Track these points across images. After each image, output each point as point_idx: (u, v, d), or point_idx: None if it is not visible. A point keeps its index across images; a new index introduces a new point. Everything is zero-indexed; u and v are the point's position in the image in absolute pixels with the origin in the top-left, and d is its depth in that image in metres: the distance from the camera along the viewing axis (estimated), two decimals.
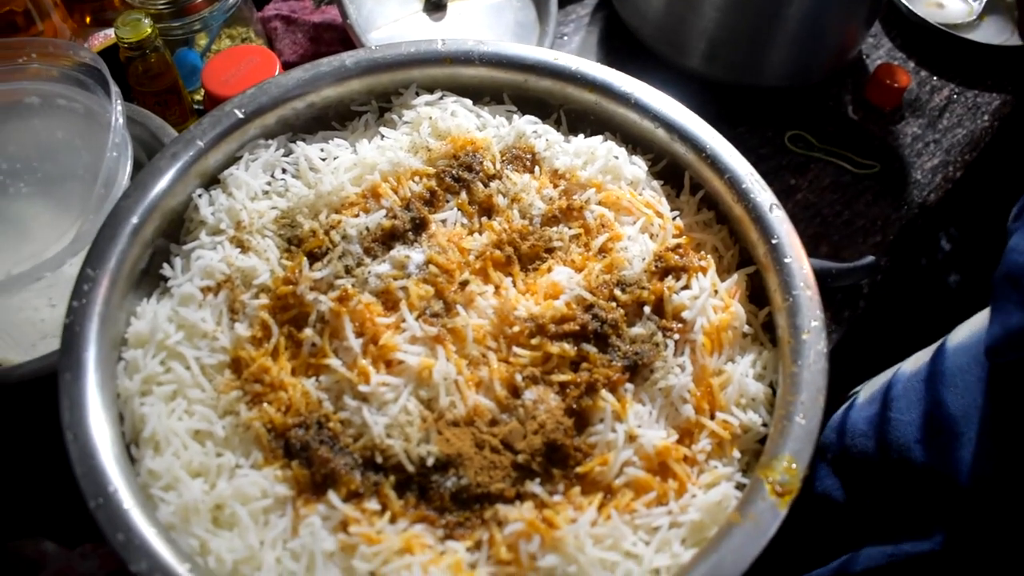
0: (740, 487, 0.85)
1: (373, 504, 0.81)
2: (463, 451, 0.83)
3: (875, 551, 1.05)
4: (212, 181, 1.01)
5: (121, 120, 1.05)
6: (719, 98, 1.29)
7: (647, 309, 0.93)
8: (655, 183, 1.04)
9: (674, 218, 1.01)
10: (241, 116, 1.01)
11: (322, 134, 1.07)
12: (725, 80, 1.50)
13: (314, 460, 0.83)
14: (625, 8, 1.56)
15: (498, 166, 1.02)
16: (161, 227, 0.96)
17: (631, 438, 0.85)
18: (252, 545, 0.79)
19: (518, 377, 0.87)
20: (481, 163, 1.01)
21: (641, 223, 0.99)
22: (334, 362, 0.87)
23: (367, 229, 0.96)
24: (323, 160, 1.03)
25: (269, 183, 1.02)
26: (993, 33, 1.69)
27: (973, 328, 1.03)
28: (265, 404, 0.86)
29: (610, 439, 0.85)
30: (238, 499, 0.82)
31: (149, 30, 1.25)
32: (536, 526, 0.79)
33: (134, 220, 0.93)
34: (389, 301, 0.91)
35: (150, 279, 0.95)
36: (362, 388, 0.85)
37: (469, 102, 1.09)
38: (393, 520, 0.81)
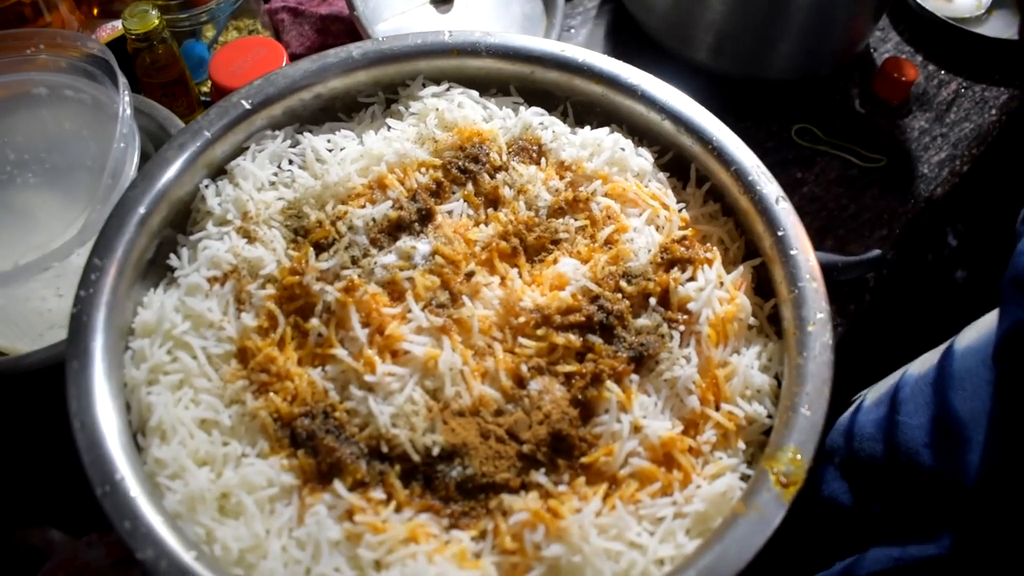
0: (745, 478, 0.85)
1: (379, 493, 0.82)
2: (468, 441, 0.83)
3: (881, 553, 1.04)
4: (219, 172, 1.01)
5: (129, 111, 1.06)
6: (726, 91, 1.28)
7: (653, 300, 0.93)
8: (661, 175, 1.04)
9: (680, 210, 1.01)
10: (248, 107, 1.02)
11: (329, 125, 1.07)
12: (732, 73, 1.50)
13: (320, 449, 0.83)
14: (632, 1, 1.56)
15: (504, 158, 1.03)
16: (168, 217, 0.96)
17: (636, 429, 0.85)
18: (258, 534, 0.80)
19: (524, 368, 0.88)
20: (487, 154, 1.01)
21: (647, 215, 1.00)
22: (340, 352, 0.87)
23: (373, 220, 0.96)
24: (330, 151, 1.03)
25: (276, 174, 1.02)
26: (1001, 27, 1.69)
27: (981, 330, 1.02)
28: (271, 393, 0.86)
29: (615, 430, 0.85)
30: (244, 488, 0.82)
31: (156, 21, 1.26)
32: (541, 516, 0.79)
33: (141, 210, 0.93)
34: (395, 292, 0.91)
35: (157, 269, 0.96)
36: (368, 378, 0.85)
37: (476, 94, 1.09)
38: (398, 509, 0.81)
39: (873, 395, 1.16)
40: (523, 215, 0.98)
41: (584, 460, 0.84)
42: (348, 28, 1.51)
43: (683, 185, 1.05)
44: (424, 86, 1.09)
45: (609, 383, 0.87)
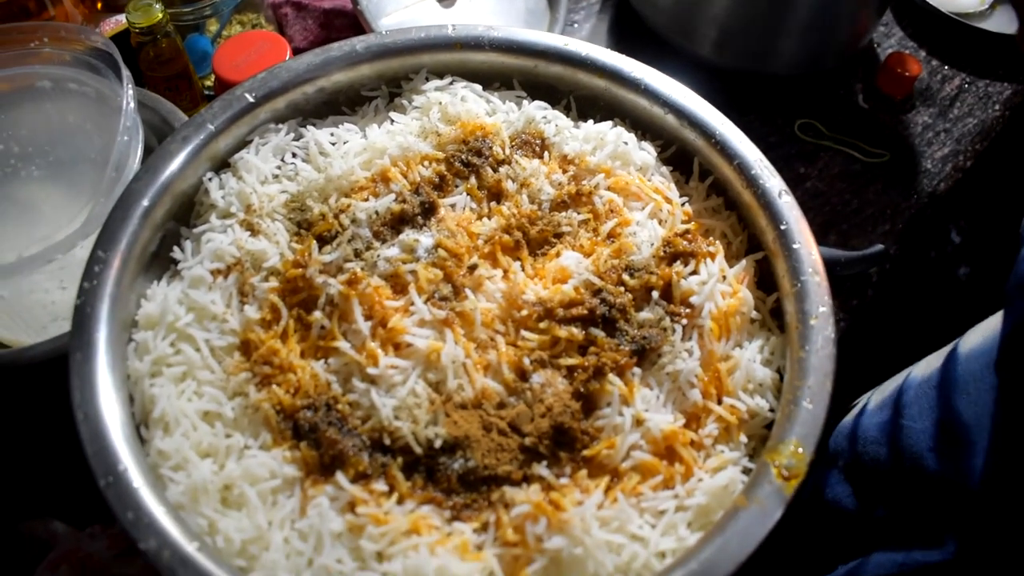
0: (746, 472, 0.85)
1: (381, 485, 0.82)
2: (471, 433, 0.83)
3: (885, 558, 1.04)
4: (223, 165, 1.02)
5: (133, 104, 1.06)
6: (729, 86, 1.28)
7: (655, 294, 0.93)
8: (664, 169, 1.04)
9: (683, 204, 1.01)
10: (251, 100, 1.02)
11: (332, 119, 1.07)
12: (735, 68, 1.50)
13: (322, 441, 0.83)
14: None
15: (507, 151, 1.03)
16: (172, 210, 0.97)
17: (638, 422, 0.86)
18: (260, 525, 0.80)
19: (526, 360, 0.88)
20: (490, 148, 1.02)
21: (650, 209, 1.00)
22: (343, 345, 0.87)
23: (376, 213, 0.96)
24: (333, 144, 1.03)
25: (279, 167, 1.02)
26: (1005, 22, 1.68)
27: (985, 333, 1.02)
28: (274, 386, 0.86)
29: (617, 423, 0.85)
30: (247, 480, 0.82)
31: (160, 15, 1.26)
32: (543, 508, 0.79)
33: (145, 203, 0.93)
34: (398, 284, 0.92)
35: (160, 262, 0.96)
36: (371, 370, 0.86)
37: (479, 87, 1.09)
38: (400, 501, 0.81)
39: (877, 398, 1.15)
40: (526, 208, 0.98)
41: (586, 453, 0.84)
42: (351, 22, 1.51)
43: (686, 179, 1.05)
44: (427, 80, 1.09)
45: (611, 376, 0.87)
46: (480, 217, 0.99)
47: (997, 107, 1.59)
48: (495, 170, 1.01)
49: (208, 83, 1.45)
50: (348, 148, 1.02)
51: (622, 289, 0.92)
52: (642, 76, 1.06)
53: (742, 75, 1.51)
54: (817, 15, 1.42)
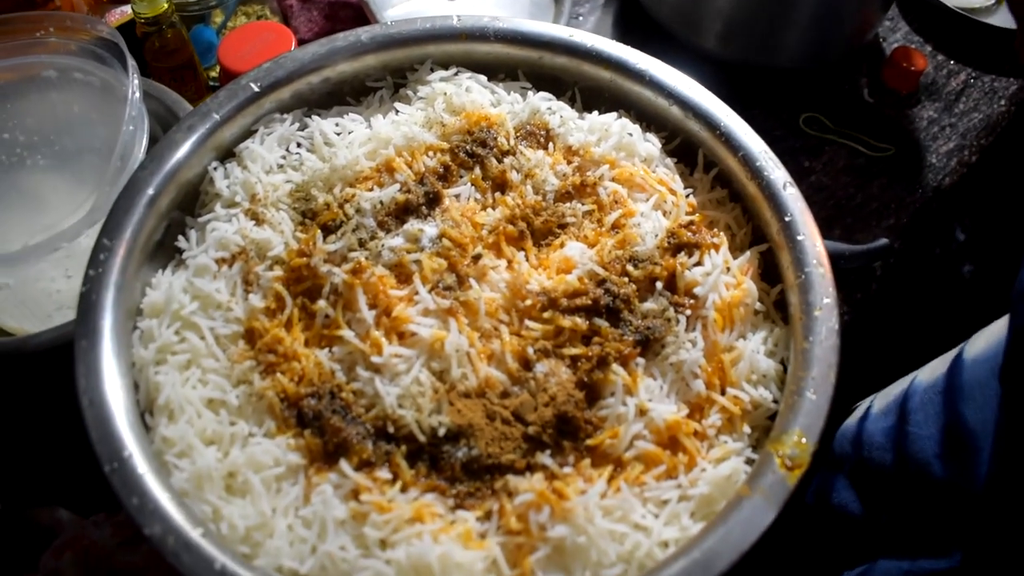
0: (750, 463, 0.85)
1: (384, 473, 0.82)
2: (474, 422, 0.84)
3: (891, 565, 1.04)
4: (227, 154, 1.02)
5: (138, 94, 1.06)
6: (734, 79, 1.28)
7: (659, 285, 0.93)
8: (668, 160, 1.04)
9: (687, 195, 1.01)
10: (257, 90, 1.02)
11: (337, 109, 1.08)
12: (740, 61, 1.49)
13: (326, 429, 0.84)
14: None
15: (512, 142, 1.03)
16: (176, 199, 0.97)
17: (641, 412, 0.86)
18: (264, 512, 0.80)
19: (530, 350, 0.88)
20: (495, 139, 1.02)
21: (654, 200, 1.00)
22: (347, 333, 0.88)
23: (381, 203, 0.96)
24: (338, 135, 1.03)
25: (284, 157, 1.02)
26: (1011, 18, 1.68)
27: (990, 339, 1.01)
28: (278, 374, 0.87)
29: (621, 412, 0.85)
30: (251, 467, 0.82)
31: (165, 5, 1.26)
32: (546, 497, 0.79)
33: (150, 191, 0.93)
34: (402, 274, 0.92)
35: (165, 251, 0.96)
36: (375, 359, 0.86)
37: (484, 78, 1.09)
38: (404, 489, 0.81)
39: (880, 402, 1.15)
40: (530, 199, 0.98)
41: (589, 442, 0.85)
42: (357, 14, 1.51)
43: (690, 171, 1.05)
44: (432, 71, 1.09)
45: (615, 366, 0.87)
46: (484, 207, 0.99)
47: (1003, 102, 1.59)
48: (500, 161, 1.01)
49: (213, 74, 1.45)
50: (353, 138, 1.02)
51: (626, 279, 0.92)
52: (647, 68, 1.06)
53: (747, 68, 1.51)
54: (822, 8, 1.42)
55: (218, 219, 0.97)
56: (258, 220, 0.96)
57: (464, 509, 0.81)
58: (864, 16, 1.50)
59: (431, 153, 1.01)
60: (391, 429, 0.84)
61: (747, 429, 0.88)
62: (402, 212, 0.96)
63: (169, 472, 0.82)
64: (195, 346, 0.89)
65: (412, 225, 0.95)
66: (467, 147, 1.01)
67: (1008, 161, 1.63)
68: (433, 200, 0.98)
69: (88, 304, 0.86)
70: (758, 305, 0.95)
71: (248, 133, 1.03)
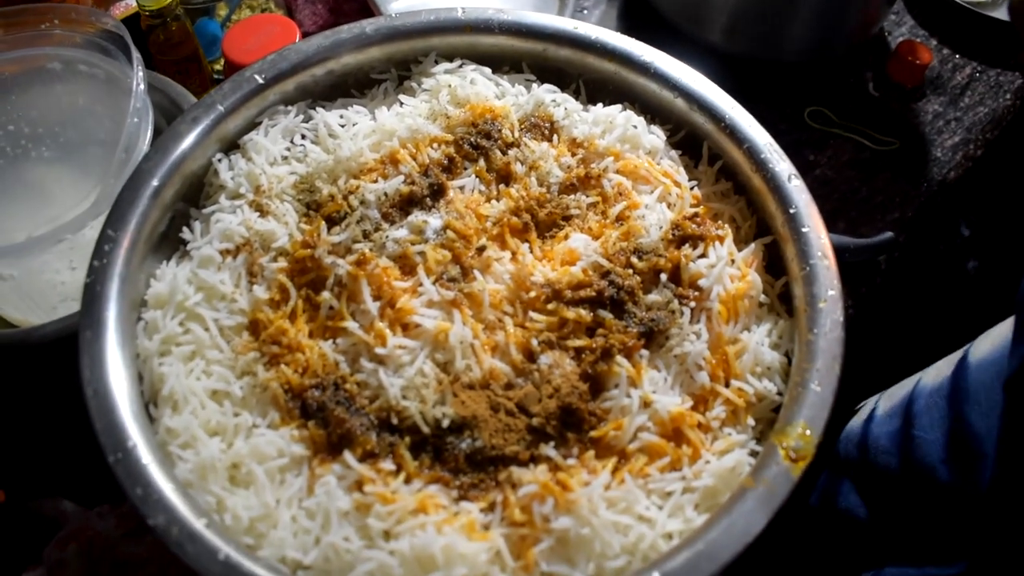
0: (754, 455, 0.85)
1: (388, 464, 0.82)
2: (478, 414, 0.83)
3: (897, 572, 1.04)
4: (232, 146, 1.02)
5: (143, 86, 1.06)
6: (739, 73, 1.28)
7: (663, 277, 0.93)
8: (673, 153, 1.04)
9: (692, 188, 1.01)
10: (261, 82, 1.02)
11: (341, 101, 1.07)
12: (745, 54, 1.49)
13: (330, 420, 0.84)
14: None
15: (516, 134, 1.03)
16: (181, 191, 0.97)
17: (646, 404, 0.86)
18: (268, 503, 0.80)
19: (534, 342, 0.88)
20: (499, 131, 1.02)
21: (659, 192, 0.99)
22: (351, 325, 0.88)
23: (385, 195, 0.96)
24: (342, 126, 1.03)
25: (288, 148, 1.02)
26: None
27: (995, 342, 1.01)
28: (282, 365, 0.87)
29: (625, 404, 0.85)
30: (255, 458, 0.82)
31: None
32: (550, 488, 0.79)
33: (154, 183, 0.93)
34: (406, 265, 0.92)
35: (170, 243, 0.96)
36: (379, 350, 0.86)
37: (488, 71, 1.09)
38: (408, 480, 0.82)
39: (885, 404, 1.15)
40: (535, 191, 0.98)
41: (593, 434, 0.85)
42: (361, 7, 1.51)
43: (695, 163, 1.05)
44: (437, 63, 1.09)
45: (619, 358, 0.87)
46: (489, 199, 0.99)
47: (1008, 96, 1.59)
48: (504, 153, 1.01)
49: (217, 67, 1.45)
50: (357, 130, 1.02)
51: (630, 271, 0.92)
52: (652, 60, 1.06)
53: (752, 62, 1.50)
54: (827, 2, 1.42)
55: (222, 210, 0.97)
56: (262, 212, 0.96)
57: (468, 500, 0.81)
58: (869, 10, 1.50)
59: (435, 145, 1.01)
60: (395, 420, 0.84)
61: (751, 421, 0.88)
62: (406, 204, 0.96)
63: (173, 463, 0.82)
64: (199, 337, 0.89)
65: (416, 217, 0.95)
66: (471, 139, 1.01)
67: (1013, 155, 1.62)
68: (437, 192, 0.98)
69: (93, 295, 0.86)
70: (762, 297, 0.94)
71: (252, 125, 1.03)
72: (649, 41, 1.08)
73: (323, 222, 0.94)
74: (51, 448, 1.10)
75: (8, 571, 1.02)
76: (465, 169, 1.01)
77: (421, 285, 0.90)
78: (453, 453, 0.83)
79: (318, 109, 1.05)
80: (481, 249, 0.92)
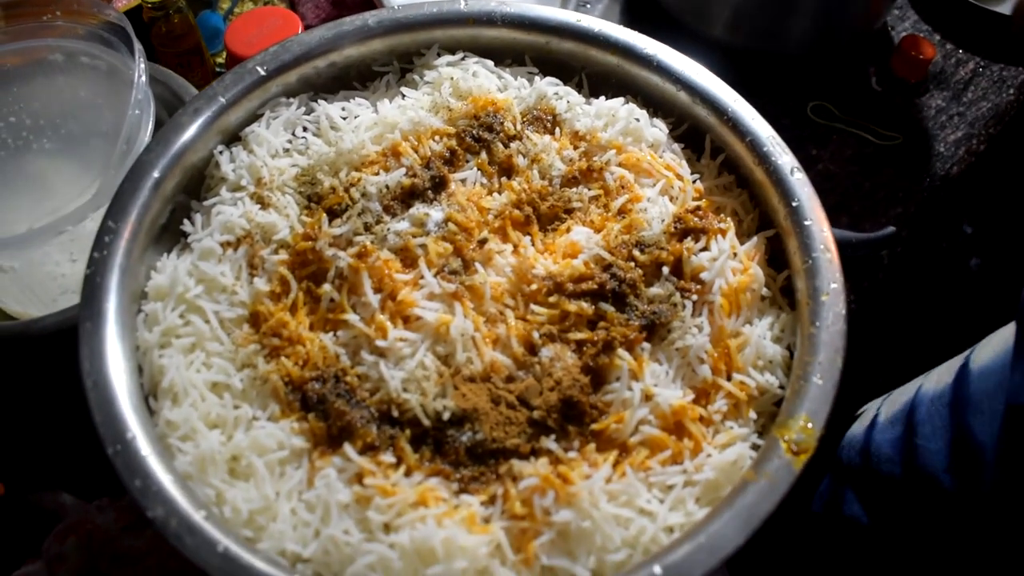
0: (755, 448, 0.85)
1: (388, 457, 0.82)
2: (479, 406, 0.83)
3: None
4: (233, 138, 1.01)
5: (144, 78, 1.06)
6: (741, 67, 1.27)
7: (665, 270, 0.92)
8: (676, 146, 1.04)
9: (694, 181, 1.01)
10: (263, 74, 1.02)
11: (343, 93, 1.07)
12: (748, 48, 1.48)
13: (331, 413, 0.83)
14: None
15: (519, 127, 1.02)
16: (182, 183, 0.97)
17: (647, 397, 0.85)
18: (268, 496, 0.80)
19: (535, 334, 0.88)
20: (502, 124, 1.01)
21: (661, 185, 0.99)
22: (352, 317, 0.87)
23: (387, 187, 0.96)
24: (344, 119, 1.03)
25: (290, 141, 1.02)
26: None
27: (997, 348, 1.00)
28: (283, 358, 0.87)
29: (626, 397, 0.85)
30: (255, 450, 0.82)
31: None
32: (551, 481, 0.79)
33: (155, 174, 0.93)
34: (408, 258, 0.91)
35: (171, 234, 0.96)
36: (379, 343, 0.86)
37: (490, 63, 1.08)
38: (408, 473, 0.81)
39: (887, 411, 1.14)
40: (537, 184, 0.98)
41: (595, 427, 0.84)
42: (363, 0, 1.51)
43: (698, 156, 1.05)
44: (439, 55, 1.08)
45: (621, 351, 0.87)
46: (491, 192, 0.98)
47: (1011, 91, 1.58)
48: (506, 145, 1.01)
49: (220, 60, 1.45)
50: (359, 122, 1.01)
51: (632, 264, 0.92)
52: (655, 53, 1.05)
53: (755, 55, 1.50)
54: None
55: (223, 203, 0.96)
56: (263, 204, 0.96)
57: (468, 493, 0.81)
58: (872, 4, 1.49)
59: (437, 138, 1.01)
60: (395, 413, 0.83)
61: (753, 415, 0.87)
62: (408, 196, 0.96)
63: (172, 455, 0.82)
64: (199, 329, 0.88)
65: (418, 209, 0.95)
66: (473, 132, 1.01)
67: (1016, 150, 1.62)
68: (439, 184, 0.97)
69: (93, 286, 0.86)
70: (765, 291, 0.94)
71: (254, 117, 1.02)
72: (652, 34, 1.08)
73: (324, 214, 0.94)
74: (50, 441, 1.10)
75: (7, 564, 1.02)
76: (467, 162, 1.00)
77: (422, 278, 0.89)
78: (454, 446, 0.82)
79: (320, 101, 1.05)
80: (483, 242, 0.92)
